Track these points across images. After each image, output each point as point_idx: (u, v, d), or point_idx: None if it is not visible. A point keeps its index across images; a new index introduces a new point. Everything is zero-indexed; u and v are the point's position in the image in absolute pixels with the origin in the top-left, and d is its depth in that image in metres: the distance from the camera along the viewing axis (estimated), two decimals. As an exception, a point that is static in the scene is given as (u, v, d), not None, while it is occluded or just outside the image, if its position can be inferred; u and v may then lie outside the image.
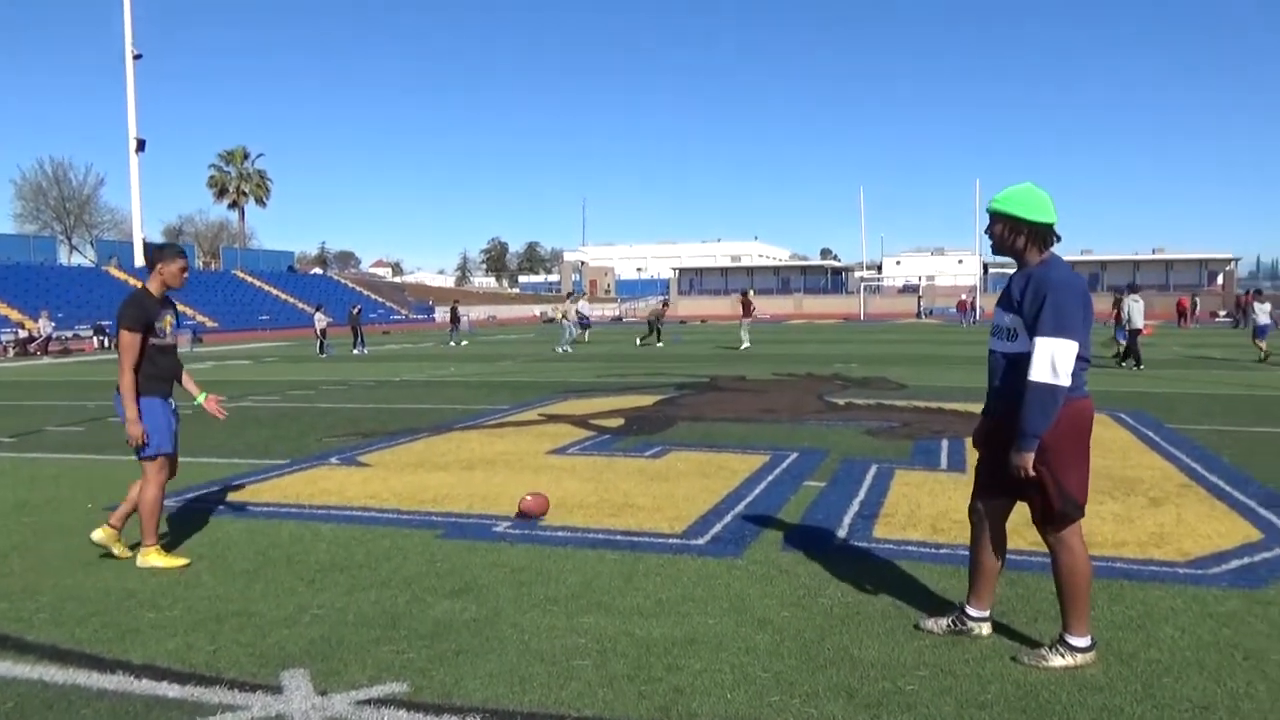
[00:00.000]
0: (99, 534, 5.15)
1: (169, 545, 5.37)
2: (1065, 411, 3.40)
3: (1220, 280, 65.25)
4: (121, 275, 47.44)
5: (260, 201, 72.92)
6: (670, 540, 5.37)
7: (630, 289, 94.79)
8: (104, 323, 35.58)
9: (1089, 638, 3.53)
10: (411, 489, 6.95)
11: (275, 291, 55.73)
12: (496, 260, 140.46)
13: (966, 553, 4.88)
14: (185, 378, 5.39)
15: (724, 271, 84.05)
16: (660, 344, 28.68)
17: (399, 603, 4.33)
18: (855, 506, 6.15)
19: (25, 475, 7.85)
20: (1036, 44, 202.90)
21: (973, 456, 8.17)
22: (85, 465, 8.33)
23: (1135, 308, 18.66)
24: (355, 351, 27.63)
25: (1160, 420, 10.20)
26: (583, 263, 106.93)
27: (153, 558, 4.99)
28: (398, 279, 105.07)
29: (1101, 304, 19.60)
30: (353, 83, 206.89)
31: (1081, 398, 3.49)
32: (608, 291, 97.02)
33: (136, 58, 48.63)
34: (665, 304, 33.62)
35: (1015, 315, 3.51)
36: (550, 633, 3.91)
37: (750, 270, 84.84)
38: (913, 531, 5.47)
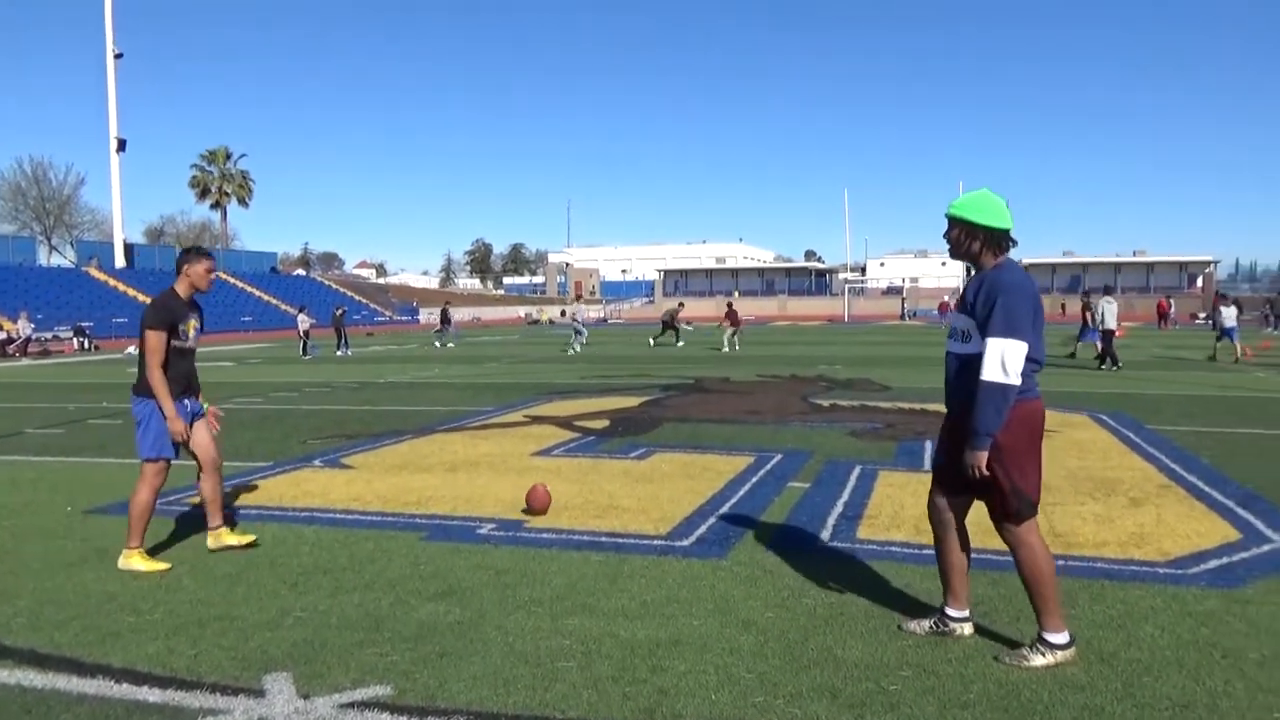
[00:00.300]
0: (211, 542, 5.23)
1: (152, 548, 5.33)
2: (1017, 412, 3.48)
3: (1200, 282, 65.89)
4: (102, 276, 47.05)
5: (243, 202, 72.46)
6: (655, 542, 5.38)
7: (615, 290, 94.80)
8: (84, 324, 35.31)
9: (1066, 634, 3.56)
10: (395, 491, 6.92)
11: (258, 293, 55.40)
12: (481, 262, 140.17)
13: (949, 553, 4.93)
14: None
15: (709, 273, 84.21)
16: (681, 343, 28.83)
17: (383, 605, 4.31)
18: (839, 508, 6.17)
19: (4, 478, 7.77)
20: (1020, 47, 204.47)
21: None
22: (65, 468, 8.25)
23: (1109, 309, 18.88)
24: (339, 353, 27.50)
25: (1140, 421, 10.29)
26: (567, 264, 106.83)
27: (135, 560, 4.95)
28: (381, 280, 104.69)
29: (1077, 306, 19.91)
30: (336, 83, 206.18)
31: (1033, 399, 3.58)
32: (593, 293, 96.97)
33: (117, 57, 48.26)
34: (681, 305, 33.65)
35: (969, 317, 3.58)
36: (535, 635, 3.90)
37: (735, 272, 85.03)
38: (896, 532, 5.49)
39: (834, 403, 12.62)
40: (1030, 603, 3.63)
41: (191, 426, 5.15)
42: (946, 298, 55.90)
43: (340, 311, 30.29)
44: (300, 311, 28.45)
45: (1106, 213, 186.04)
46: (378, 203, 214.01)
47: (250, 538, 5.36)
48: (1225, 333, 20.93)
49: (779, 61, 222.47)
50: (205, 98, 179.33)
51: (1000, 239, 3.60)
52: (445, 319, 33.67)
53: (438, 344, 31.55)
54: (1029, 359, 3.48)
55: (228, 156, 70.88)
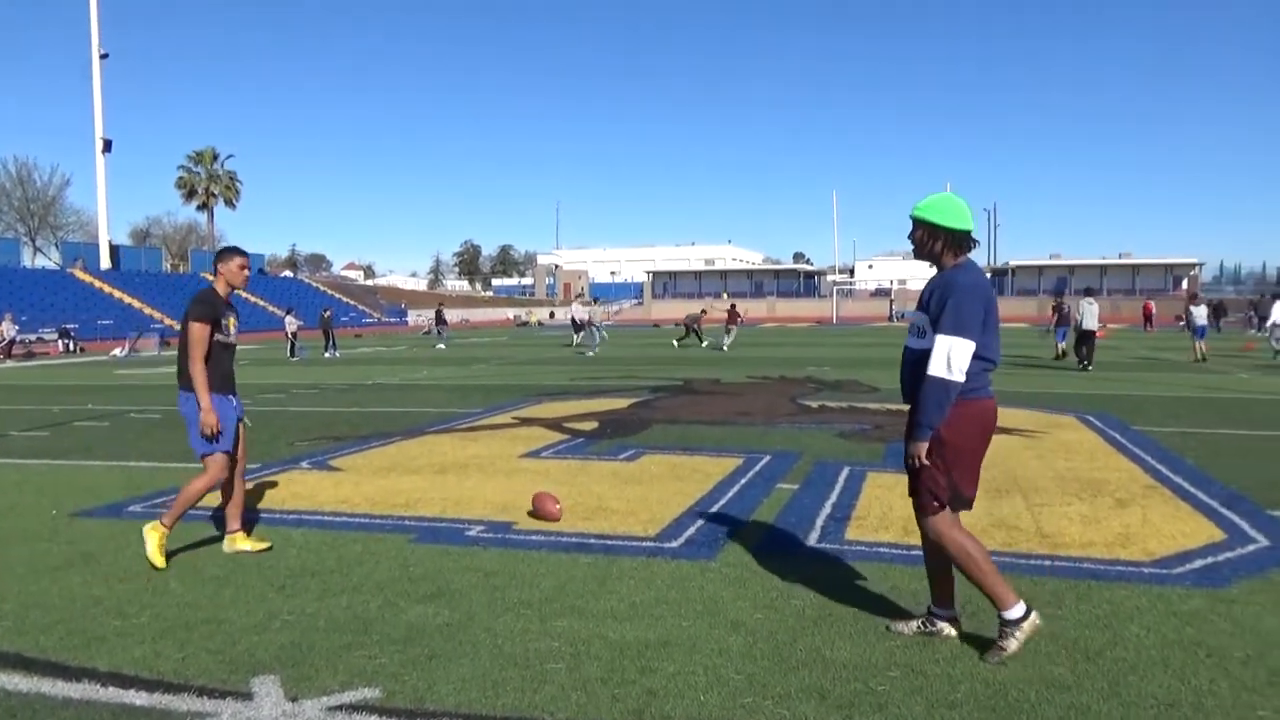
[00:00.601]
0: (227, 546, 5.24)
1: (139, 550, 5.30)
2: (966, 410, 3.58)
3: (1185, 284, 66.35)
4: (87, 278, 46.73)
5: (230, 203, 72.01)
6: (644, 543, 5.38)
7: (604, 292, 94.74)
8: (69, 326, 35.06)
9: (1021, 605, 3.61)
10: (384, 493, 6.90)
11: (245, 294, 55.11)
12: (469, 263, 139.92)
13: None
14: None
15: (698, 275, 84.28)
16: (704, 344, 28.93)
17: (371, 608, 4.30)
18: (828, 509, 6.19)
19: (-12, 481, 7.71)
20: (1008, 52, 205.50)
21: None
22: (50, 470, 8.19)
23: (1088, 310, 19.11)
24: (327, 355, 27.40)
25: (1126, 422, 10.36)
26: (556, 266, 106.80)
27: (153, 539, 4.96)
28: (369, 282, 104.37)
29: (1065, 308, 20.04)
30: (324, 84, 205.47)
31: (983, 398, 3.64)
32: (581, 294, 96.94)
33: (103, 57, 47.96)
34: (704, 311, 33.70)
35: (924, 314, 3.69)
36: (523, 636, 3.90)
37: (724, 274, 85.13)
38: (884, 534, 5.52)
39: (823, 404, 12.65)
40: (981, 592, 3.70)
41: (237, 424, 5.25)
42: None
43: (328, 313, 30.18)
44: (288, 313, 28.34)
45: (1092, 216, 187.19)
46: (366, 204, 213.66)
47: (266, 544, 5.34)
48: (1197, 331, 21.45)
49: (767, 63, 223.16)
50: (192, 99, 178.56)
51: (961, 240, 3.70)
52: (440, 319, 33.58)
53: (438, 345, 31.49)
54: (980, 358, 3.58)
55: (215, 157, 70.47)
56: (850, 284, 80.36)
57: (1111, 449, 8.60)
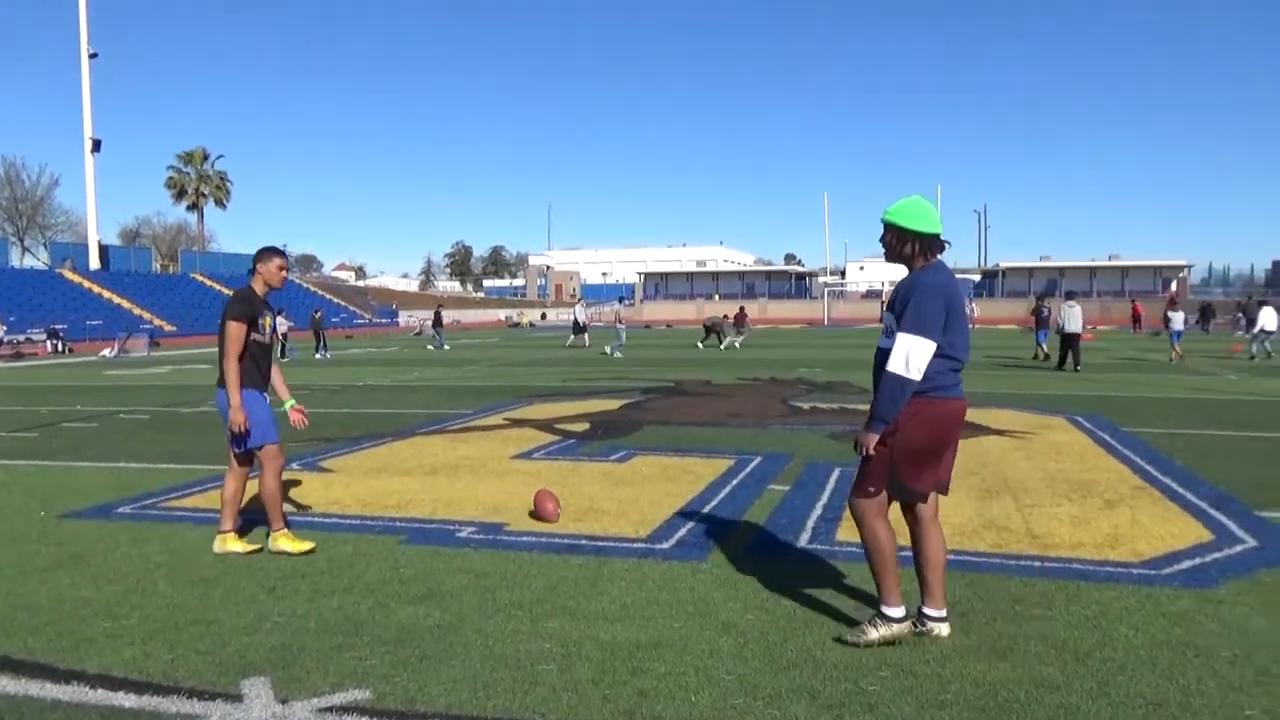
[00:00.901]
0: (218, 546, 5.28)
1: (128, 552, 5.29)
2: (923, 409, 3.66)
3: (1174, 287, 66.67)
4: (76, 278, 46.49)
5: (220, 204, 71.79)
6: (635, 544, 5.38)
7: (595, 293, 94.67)
8: (58, 326, 34.87)
9: (902, 609, 3.78)
10: (374, 494, 6.89)
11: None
12: (461, 264, 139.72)
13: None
14: (277, 378, 5.52)
15: (689, 276, 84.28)
16: (724, 346, 29.01)
17: (362, 609, 4.29)
18: (818, 510, 6.20)
19: (-25, 482, 7.66)
20: (997, 54, 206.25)
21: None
22: (39, 472, 8.15)
23: (1070, 313, 19.30)
24: (318, 356, 27.33)
25: (1115, 424, 10.41)
26: (548, 267, 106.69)
27: (282, 542, 5.19)
28: (361, 283, 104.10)
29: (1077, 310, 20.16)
30: (315, 85, 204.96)
31: (946, 398, 3.70)
32: (573, 295, 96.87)
33: (92, 56, 47.71)
34: (726, 317, 33.66)
35: (892, 315, 3.78)
36: (514, 638, 3.90)
37: (715, 275, 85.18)
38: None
39: (814, 405, 12.68)
40: (873, 579, 3.84)
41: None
42: None
43: (319, 314, 30.10)
44: (278, 314, 28.21)
45: (1082, 218, 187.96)
46: (357, 205, 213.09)
47: (254, 546, 5.35)
48: (1174, 335, 21.97)
49: (758, 65, 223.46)
50: (182, 99, 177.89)
51: (930, 243, 3.78)
52: (438, 320, 33.57)
53: (444, 346, 31.48)
54: (945, 357, 3.66)
55: (205, 157, 70.23)
56: (841, 285, 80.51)
57: (1101, 450, 8.64)
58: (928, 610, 3.87)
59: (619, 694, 3.33)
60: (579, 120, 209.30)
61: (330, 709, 3.24)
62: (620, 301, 36.76)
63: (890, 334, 3.76)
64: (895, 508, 3.97)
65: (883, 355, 3.77)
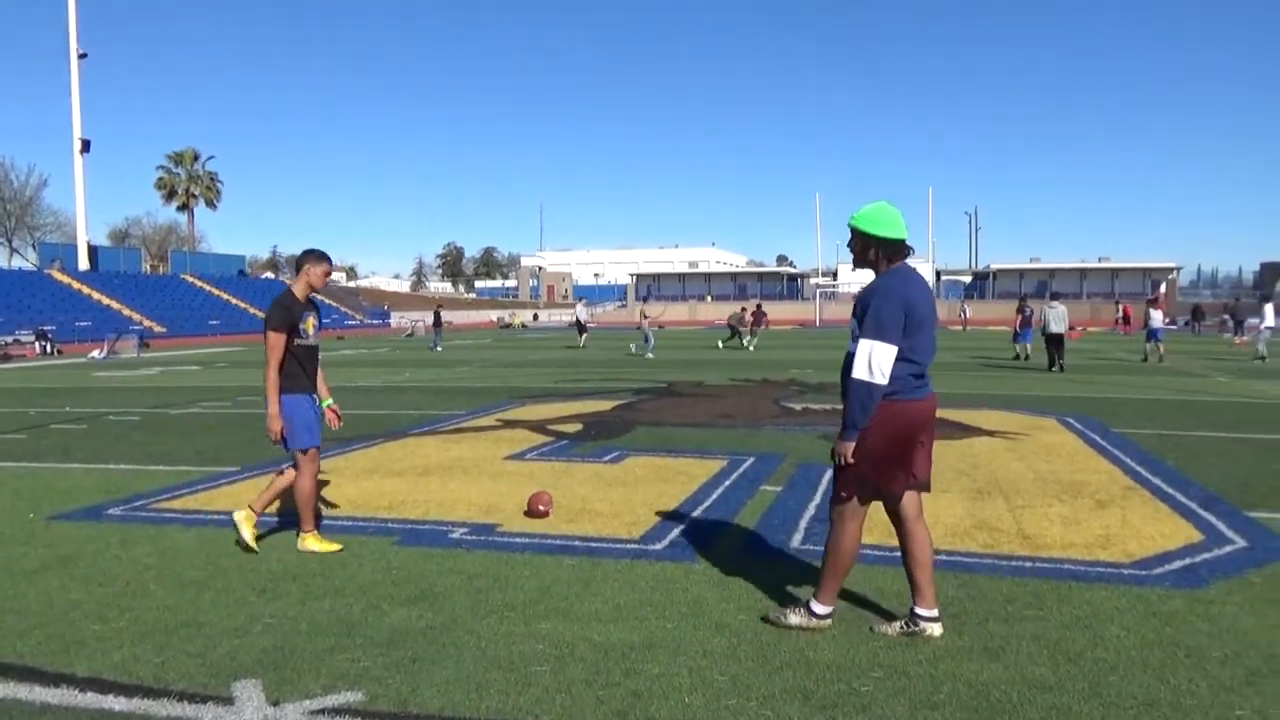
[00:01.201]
0: (238, 514, 5.39)
1: (118, 554, 5.26)
2: (888, 410, 3.70)
3: (1163, 288, 66.99)
4: (65, 279, 46.23)
5: (210, 204, 71.57)
6: (628, 545, 5.38)
7: (587, 294, 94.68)
8: (46, 328, 34.67)
9: (830, 609, 3.95)
10: (366, 495, 6.87)
11: (226, 296, 54.71)
12: (452, 265, 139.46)
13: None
14: (320, 379, 5.54)
15: (681, 277, 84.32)
16: (749, 347, 28.97)
17: (354, 611, 4.27)
18: (811, 510, 6.21)
19: (-37, 484, 7.60)
20: (989, 57, 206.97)
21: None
22: (27, 473, 8.09)
23: (1051, 314, 19.53)
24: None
25: (1105, 425, 10.45)
26: (540, 268, 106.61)
27: (310, 542, 5.27)
28: (352, 284, 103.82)
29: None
30: (306, 85, 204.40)
31: (908, 400, 3.74)
32: (565, 296, 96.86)
33: (81, 56, 47.50)
34: (744, 309, 33.65)
35: (855, 320, 3.83)
36: (507, 639, 3.89)
37: (707, 276, 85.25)
38: (868, 536, 5.46)
39: (806, 406, 12.69)
40: (821, 572, 3.97)
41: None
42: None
43: (310, 315, 29.94)
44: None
45: (1073, 220, 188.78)
46: (348, 206, 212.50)
47: (337, 546, 5.39)
48: (1151, 334, 22.24)
49: (751, 66, 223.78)
50: (172, 99, 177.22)
51: (894, 248, 3.84)
52: (438, 321, 33.53)
53: (437, 348, 31.43)
54: (904, 360, 3.70)
55: (195, 158, 69.99)
56: (833, 287, 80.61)
57: (1092, 451, 8.67)
58: (920, 610, 3.88)
59: (612, 695, 3.32)
60: (571, 121, 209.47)
61: (322, 711, 3.23)
62: (644, 300, 36.44)
63: (854, 338, 3.81)
64: (881, 511, 3.99)
65: (848, 360, 3.82)
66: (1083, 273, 71.14)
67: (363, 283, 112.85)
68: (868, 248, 3.86)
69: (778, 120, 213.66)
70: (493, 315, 72.41)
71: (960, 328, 49.50)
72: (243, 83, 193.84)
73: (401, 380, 18.47)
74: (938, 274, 71.57)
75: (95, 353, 30.17)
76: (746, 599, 4.39)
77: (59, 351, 32.73)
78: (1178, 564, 4.92)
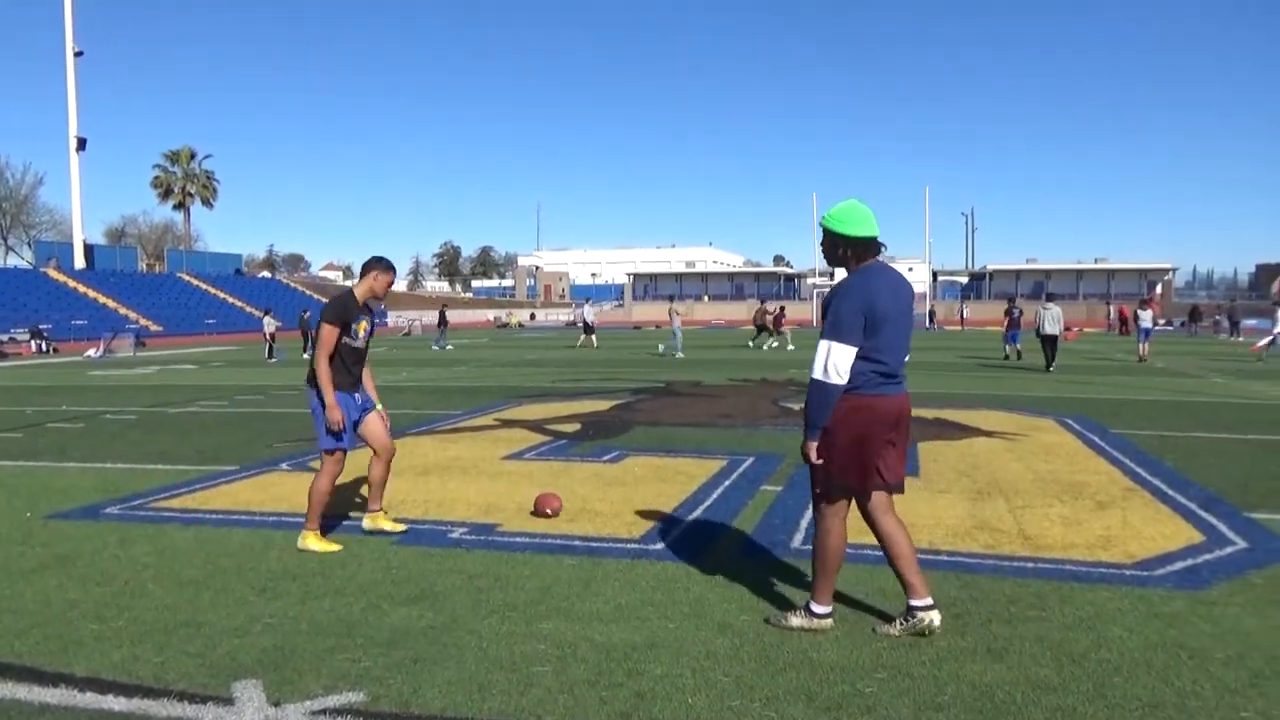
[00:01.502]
0: (368, 523, 5.63)
1: (116, 553, 5.23)
2: (848, 406, 3.73)
3: (1159, 289, 67.12)
4: (60, 277, 46.12)
5: (207, 203, 71.46)
6: (629, 545, 5.36)
7: (585, 294, 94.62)
8: (42, 326, 34.59)
9: (829, 608, 3.94)
10: (364, 495, 6.83)
11: (222, 295, 54.62)
12: (449, 264, 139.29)
13: (923, 556, 4.96)
14: (367, 381, 5.63)
15: (678, 277, 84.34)
16: (774, 344, 28.87)
17: (354, 610, 4.25)
18: (811, 511, 6.18)
19: (-41, 483, 7.57)
20: (986, 57, 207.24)
21: (927, 460, 8.28)
22: (23, 473, 8.06)
23: (1046, 315, 19.63)
24: (305, 355, 27.17)
25: (1104, 426, 10.45)
26: (537, 267, 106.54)
27: (310, 541, 5.26)
28: (349, 283, 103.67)
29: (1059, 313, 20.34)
30: (302, 85, 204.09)
31: (872, 396, 3.75)
32: (562, 296, 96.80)
33: (77, 54, 47.37)
34: (780, 309, 33.68)
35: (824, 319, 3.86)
36: (509, 639, 3.87)
37: (704, 276, 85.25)
38: (868, 536, 5.43)
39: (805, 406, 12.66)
40: (812, 573, 3.98)
41: (364, 418, 5.46)
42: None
43: (306, 314, 29.94)
44: (266, 314, 28.08)
45: (1069, 221, 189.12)
46: (344, 204, 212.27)
47: (402, 527, 5.68)
48: (1142, 333, 22.56)
49: (746, 67, 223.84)
50: (169, 98, 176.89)
51: (864, 247, 3.85)
52: (443, 321, 33.51)
53: (437, 346, 31.40)
54: (866, 359, 3.71)
55: (191, 156, 69.85)
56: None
57: (1091, 451, 8.67)
58: (913, 602, 3.87)
59: (615, 695, 3.31)
60: (568, 121, 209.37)
61: (324, 711, 3.21)
62: (673, 299, 36.14)
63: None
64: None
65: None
66: (1079, 273, 71.24)
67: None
68: (837, 246, 3.87)
69: (775, 120, 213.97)
70: (489, 315, 72.34)
71: (958, 328, 49.58)
72: (239, 81, 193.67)
73: (399, 379, 18.43)
74: (934, 274, 71.59)
75: (91, 351, 30.09)
76: (748, 599, 4.37)
77: (55, 350, 32.64)
78: (1179, 565, 4.91)
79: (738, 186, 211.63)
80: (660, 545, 5.36)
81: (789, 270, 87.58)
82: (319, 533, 5.35)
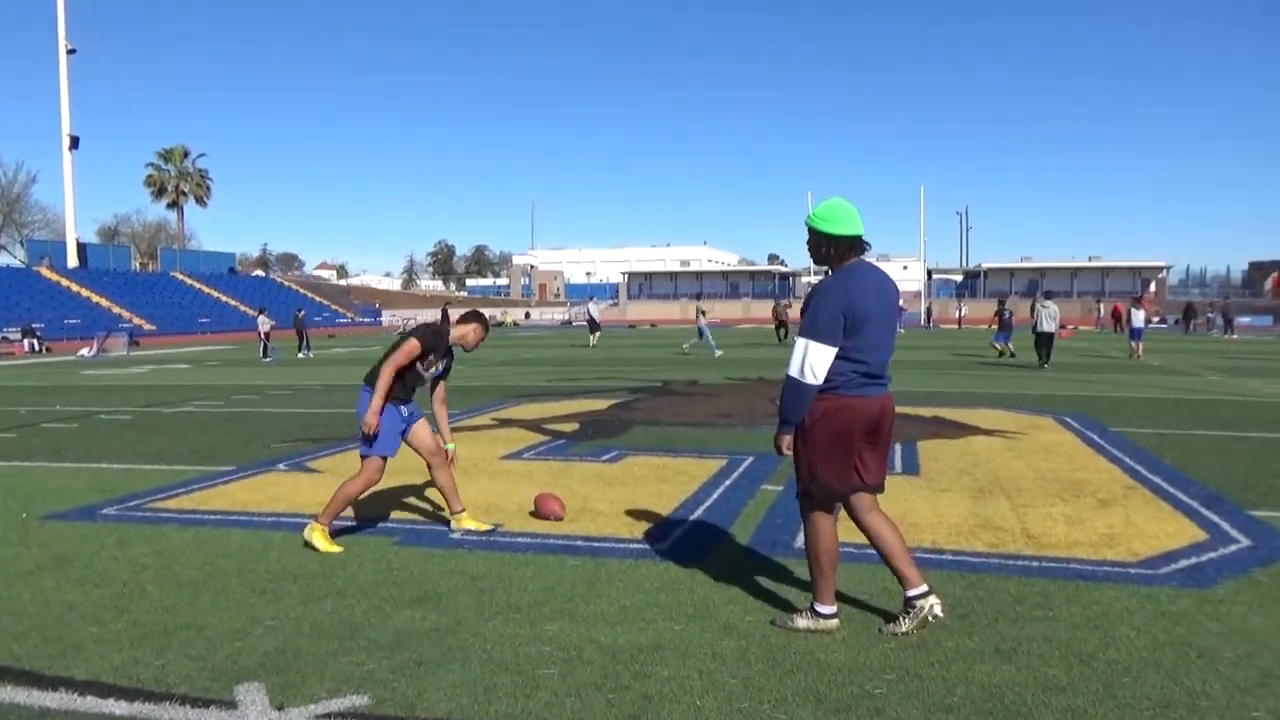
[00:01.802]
0: (454, 525, 5.60)
1: (114, 554, 5.19)
2: (825, 405, 3.72)
3: (1153, 287, 67.30)
4: (53, 276, 45.94)
5: (200, 201, 71.18)
6: (631, 545, 5.33)
7: (580, 293, 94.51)
8: (35, 325, 34.43)
9: (834, 608, 3.91)
10: (365, 495, 6.78)
11: (216, 294, 54.46)
12: (444, 263, 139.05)
13: (925, 556, 4.97)
14: (442, 420, 5.73)
15: (673, 276, 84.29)
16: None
17: (356, 612, 4.22)
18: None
19: (-46, 484, 7.50)
20: (980, 56, 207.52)
21: (926, 459, 8.26)
22: (18, 473, 8.00)
23: (1044, 313, 19.76)
24: (300, 355, 27.11)
25: (1103, 424, 10.45)
26: (531, 266, 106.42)
27: (316, 535, 5.22)
28: (343, 282, 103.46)
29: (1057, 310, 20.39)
30: (297, 83, 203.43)
31: (851, 396, 3.74)
32: (557, 295, 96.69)
33: (70, 52, 47.17)
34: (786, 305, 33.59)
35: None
36: (513, 641, 3.84)
37: (699, 275, 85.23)
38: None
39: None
40: (810, 575, 3.95)
41: (410, 427, 5.45)
42: (901, 302, 56.36)
43: (301, 313, 29.85)
44: (260, 313, 27.99)
45: (1064, 219, 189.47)
46: (338, 203, 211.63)
47: (488, 525, 5.69)
48: (1134, 332, 22.81)
49: (741, 66, 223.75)
50: (162, 96, 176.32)
51: (848, 245, 3.83)
52: (444, 319, 33.45)
53: None
54: (846, 359, 3.70)
55: (185, 155, 69.59)
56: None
57: (1090, 450, 8.66)
58: (909, 594, 3.86)
59: (623, 699, 3.27)
60: (562, 120, 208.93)
61: (328, 715, 3.17)
62: (699, 298, 36.09)
63: None
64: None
65: None
66: (1073, 271, 71.40)
67: (354, 281, 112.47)
68: (821, 245, 3.85)
69: (770, 120, 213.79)
70: (485, 314, 72.17)
71: (955, 326, 49.69)
72: (232, 80, 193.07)
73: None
74: (929, 273, 71.64)
75: (85, 351, 29.96)
76: (753, 600, 4.35)
77: (48, 349, 32.50)
78: (1184, 563, 4.90)
79: (732, 185, 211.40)
80: (663, 545, 5.33)
81: (784, 269, 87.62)
82: (327, 531, 5.29)
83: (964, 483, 7.04)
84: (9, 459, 8.73)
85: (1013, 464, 7.88)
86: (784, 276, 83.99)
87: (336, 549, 5.21)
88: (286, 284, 67.37)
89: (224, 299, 54.02)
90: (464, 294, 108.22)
